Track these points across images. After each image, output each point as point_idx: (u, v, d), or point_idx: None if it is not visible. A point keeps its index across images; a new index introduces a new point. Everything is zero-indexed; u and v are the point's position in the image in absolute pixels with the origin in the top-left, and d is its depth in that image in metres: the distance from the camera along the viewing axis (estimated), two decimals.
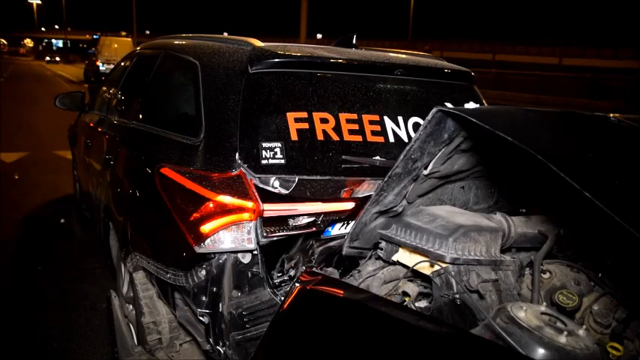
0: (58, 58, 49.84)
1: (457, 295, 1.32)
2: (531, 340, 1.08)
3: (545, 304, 1.30)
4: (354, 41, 2.46)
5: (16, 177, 6.43)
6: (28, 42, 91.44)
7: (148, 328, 2.20)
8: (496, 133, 0.93)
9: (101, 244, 3.10)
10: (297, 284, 1.37)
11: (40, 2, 76.37)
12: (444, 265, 1.34)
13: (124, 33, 34.57)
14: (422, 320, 1.22)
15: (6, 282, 3.58)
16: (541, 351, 1.05)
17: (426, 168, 1.37)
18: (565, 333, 1.10)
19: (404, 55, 2.45)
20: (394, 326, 1.16)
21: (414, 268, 1.40)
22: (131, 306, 2.50)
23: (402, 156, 1.30)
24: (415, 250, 1.42)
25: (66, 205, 5.22)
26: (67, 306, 3.23)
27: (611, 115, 1.48)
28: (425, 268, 1.39)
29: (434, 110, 1.18)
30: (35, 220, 4.92)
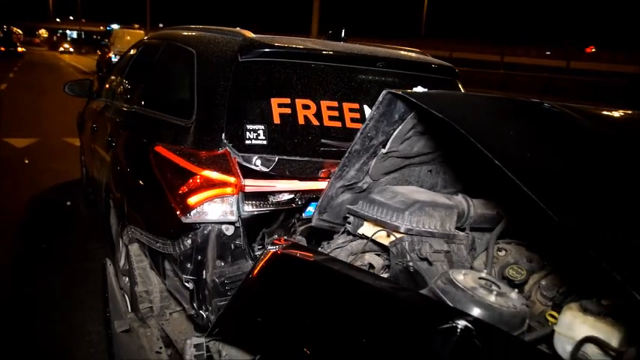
0: (71, 49, 50.50)
1: (410, 263, 1.46)
2: (464, 298, 1.22)
3: (486, 271, 1.44)
4: (342, 35, 2.61)
5: (26, 161, 6.65)
6: (43, 32, 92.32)
7: (140, 296, 2.37)
8: (430, 111, 1.08)
9: (102, 221, 3.28)
10: (269, 248, 1.54)
11: None
12: (399, 236, 1.49)
13: (136, 25, 34.83)
14: (378, 281, 1.38)
15: (13, 258, 3.78)
16: (471, 307, 1.20)
17: (384, 147, 1.52)
18: (495, 293, 1.24)
19: (388, 50, 2.59)
20: (354, 286, 1.32)
21: (374, 238, 1.56)
22: (127, 278, 2.67)
23: (359, 134, 1.45)
24: (376, 222, 1.57)
25: (73, 189, 5.41)
26: (69, 281, 3.42)
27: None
28: (383, 238, 1.54)
29: (384, 92, 1.33)
30: (43, 202, 5.12)
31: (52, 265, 3.66)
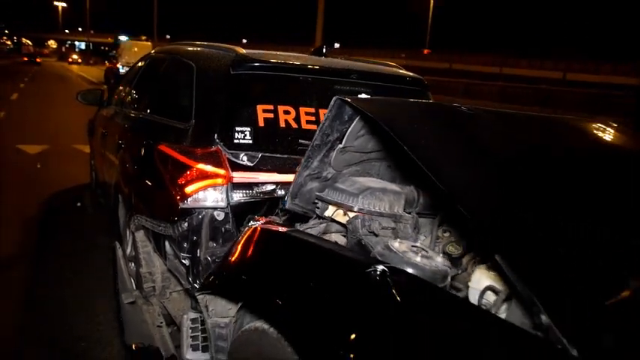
0: (80, 60, 51.71)
1: (362, 237, 1.81)
2: (395, 258, 1.56)
3: (419, 242, 1.79)
4: (323, 51, 2.99)
5: (39, 166, 7.06)
6: (52, 43, 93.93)
7: (144, 277, 2.72)
8: (364, 112, 1.43)
9: (111, 217, 3.65)
10: (251, 224, 1.90)
11: (65, 5, 78.80)
12: (352, 215, 1.84)
13: (144, 37, 35.57)
14: (332, 246, 1.74)
15: (27, 250, 4.14)
16: (400, 265, 1.54)
17: (341, 142, 1.88)
18: (420, 255, 1.59)
19: (364, 64, 2.96)
20: (314, 249, 1.67)
21: (334, 217, 1.91)
22: (133, 264, 3.03)
23: (318, 130, 1.81)
24: (337, 205, 1.92)
25: (82, 191, 5.78)
26: (78, 269, 3.78)
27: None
28: (341, 217, 1.89)
29: (334, 98, 1.69)
30: (54, 204, 5.48)
31: (61, 258, 4.01)
